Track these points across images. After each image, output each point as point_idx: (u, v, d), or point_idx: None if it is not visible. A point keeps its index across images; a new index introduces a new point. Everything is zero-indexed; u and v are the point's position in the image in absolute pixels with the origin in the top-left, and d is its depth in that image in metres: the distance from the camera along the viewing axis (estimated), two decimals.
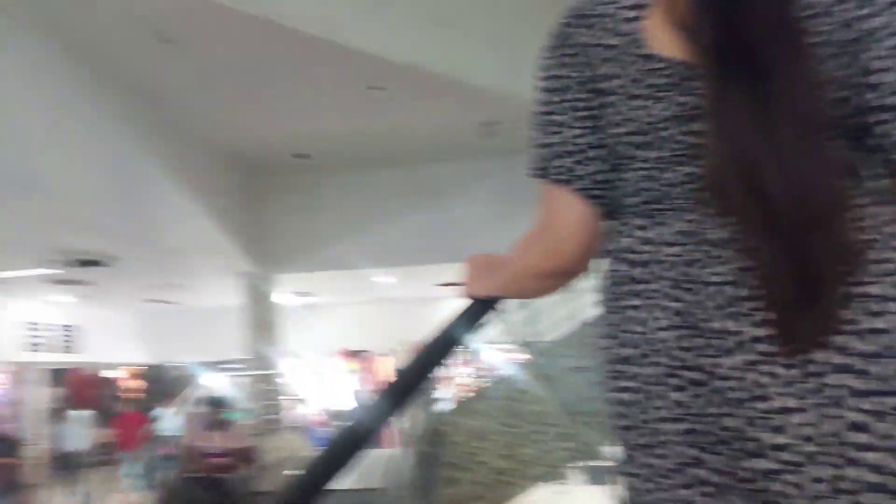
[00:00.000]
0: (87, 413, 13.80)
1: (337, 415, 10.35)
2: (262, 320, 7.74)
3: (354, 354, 13.00)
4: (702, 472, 0.64)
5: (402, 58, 4.89)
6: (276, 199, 7.73)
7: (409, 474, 4.64)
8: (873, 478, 0.57)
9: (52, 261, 5.95)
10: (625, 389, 0.69)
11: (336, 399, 11.27)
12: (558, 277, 0.81)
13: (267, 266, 7.67)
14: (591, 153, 0.73)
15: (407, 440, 4.61)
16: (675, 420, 0.65)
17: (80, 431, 12.56)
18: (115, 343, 11.18)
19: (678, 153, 0.67)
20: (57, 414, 10.05)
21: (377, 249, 7.49)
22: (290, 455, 7.24)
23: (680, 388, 0.64)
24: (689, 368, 0.64)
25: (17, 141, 4.03)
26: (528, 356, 5.27)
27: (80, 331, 10.25)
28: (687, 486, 0.64)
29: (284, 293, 9.27)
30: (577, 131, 0.73)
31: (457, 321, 0.91)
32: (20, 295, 8.53)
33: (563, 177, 0.74)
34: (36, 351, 9.33)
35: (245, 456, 5.04)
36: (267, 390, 7.49)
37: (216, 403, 5.20)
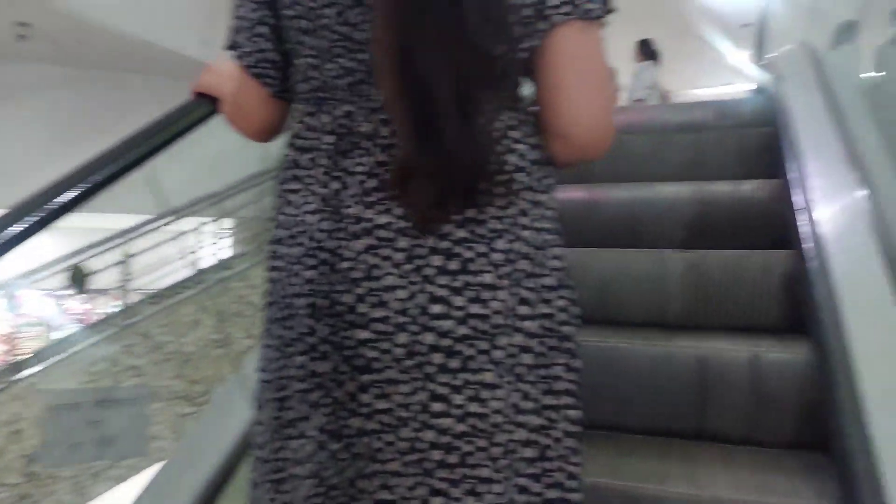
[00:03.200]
0: None
1: None
2: None
3: None
4: (313, 340, 0.70)
5: None
6: None
7: None
8: (435, 340, 0.66)
9: None
10: (274, 269, 0.74)
11: None
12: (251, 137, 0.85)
13: None
14: (260, 30, 0.75)
15: None
16: (303, 295, 0.70)
17: None
18: None
19: (337, 44, 0.70)
20: None
21: None
22: None
23: (312, 267, 0.70)
24: (323, 249, 0.69)
25: None
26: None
27: None
28: (302, 353, 0.71)
29: None
30: (252, 6, 0.75)
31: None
32: None
33: (235, 51, 0.78)
34: None
35: None
36: None
37: None
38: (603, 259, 1.92)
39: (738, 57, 9.20)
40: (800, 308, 1.70)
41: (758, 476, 1.34)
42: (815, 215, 1.70)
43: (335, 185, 0.70)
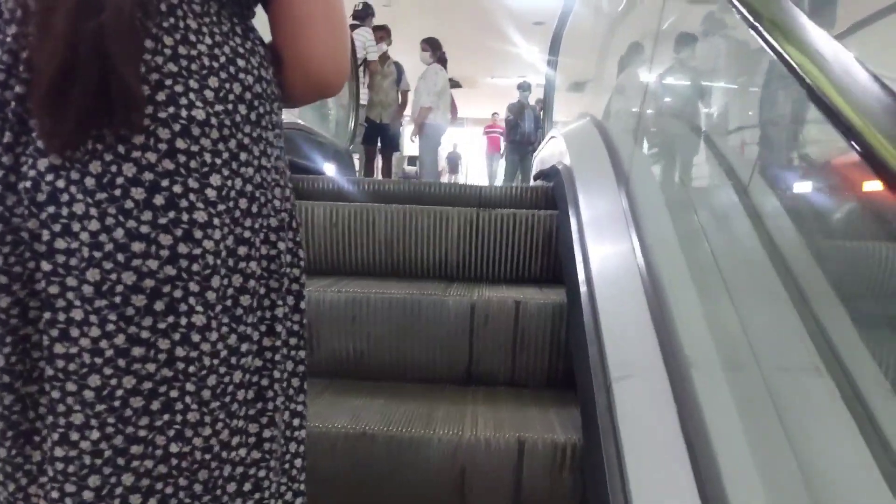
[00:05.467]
0: None
1: None
2: None
3: None
4: None
5: None
6: None
7: None
8: (136, 280, 0.59)
9: None
10: None
11: None
12: None
13: None
14: None
15: None
16: None
17: None
18: None
19: None
20: None
21: None
22: None
23: None
24: (4, 167, 0.60)
25: None
26: None
27: None
28: None
29: None
30: None
31: None
32: None
33: None
34: None
35: None
36: None
37: None
38: (390, 214, 1.93)
39: (532, 52, 9.95)
40: (558, 259, 1.86)
41: (518, 414, 1.43)
42: (575, 180, 1.86)
43: (20, 88, 0.58)
